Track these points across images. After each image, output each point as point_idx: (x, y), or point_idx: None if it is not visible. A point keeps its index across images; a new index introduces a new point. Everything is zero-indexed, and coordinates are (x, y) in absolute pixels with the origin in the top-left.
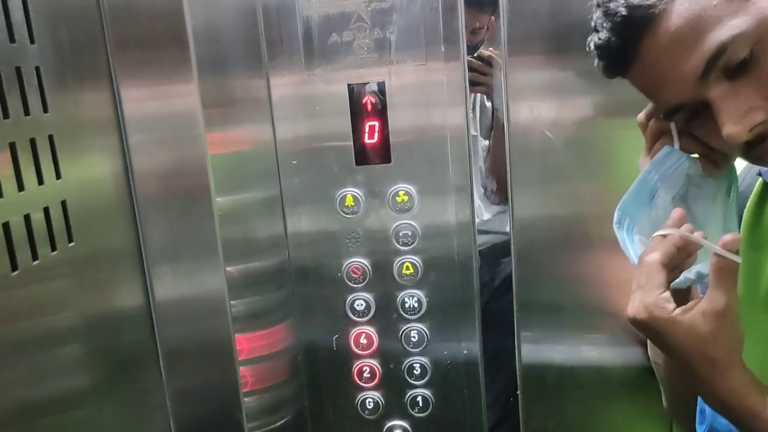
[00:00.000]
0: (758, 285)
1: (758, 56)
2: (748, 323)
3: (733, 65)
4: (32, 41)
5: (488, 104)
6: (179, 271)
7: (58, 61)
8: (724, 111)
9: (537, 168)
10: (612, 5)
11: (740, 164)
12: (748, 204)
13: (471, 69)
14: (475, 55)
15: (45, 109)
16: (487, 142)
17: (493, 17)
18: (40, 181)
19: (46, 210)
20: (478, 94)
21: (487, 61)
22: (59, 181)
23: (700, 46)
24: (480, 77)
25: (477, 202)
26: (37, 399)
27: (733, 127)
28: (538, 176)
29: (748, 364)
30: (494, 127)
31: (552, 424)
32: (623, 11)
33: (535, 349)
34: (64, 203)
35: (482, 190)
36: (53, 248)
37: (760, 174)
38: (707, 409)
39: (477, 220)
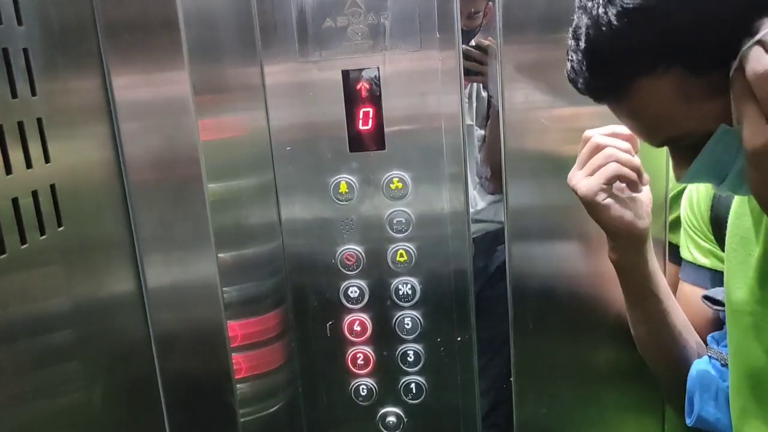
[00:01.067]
0: (747, 275)
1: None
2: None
3: (683, 147)
4: (20, 23)
5: (484, 94)
6: (171, 258)
7: (47, 44)
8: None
9: (532, 157)
10: (575, 64)
11: None
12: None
13: (468, 58)
14: (474, 44)
15: (33, 92)
16: (482, 132)
17: (490, 2)
18: (29, 165)
19: (35, 193)
20: (475, 84)
21: (485, 51)
22: (48, 164)
23: (654, 134)
24: (477, 66)
25: (472, 191)
26: (27, 386)
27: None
28: (532, 166)
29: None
30: (490, 117)
31: (545, 411)
32: (582, 87)
33: (530, 336)
34: (53, 187)
35: (477, 180)
36: (42, 232)
37: None
38: (695, 399)
39: (471, 210)
